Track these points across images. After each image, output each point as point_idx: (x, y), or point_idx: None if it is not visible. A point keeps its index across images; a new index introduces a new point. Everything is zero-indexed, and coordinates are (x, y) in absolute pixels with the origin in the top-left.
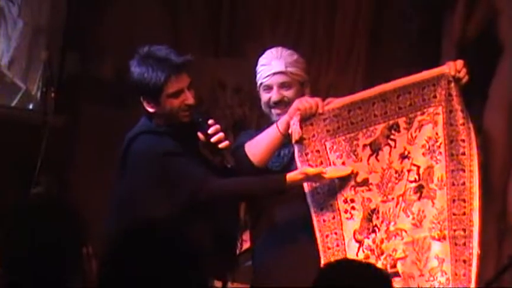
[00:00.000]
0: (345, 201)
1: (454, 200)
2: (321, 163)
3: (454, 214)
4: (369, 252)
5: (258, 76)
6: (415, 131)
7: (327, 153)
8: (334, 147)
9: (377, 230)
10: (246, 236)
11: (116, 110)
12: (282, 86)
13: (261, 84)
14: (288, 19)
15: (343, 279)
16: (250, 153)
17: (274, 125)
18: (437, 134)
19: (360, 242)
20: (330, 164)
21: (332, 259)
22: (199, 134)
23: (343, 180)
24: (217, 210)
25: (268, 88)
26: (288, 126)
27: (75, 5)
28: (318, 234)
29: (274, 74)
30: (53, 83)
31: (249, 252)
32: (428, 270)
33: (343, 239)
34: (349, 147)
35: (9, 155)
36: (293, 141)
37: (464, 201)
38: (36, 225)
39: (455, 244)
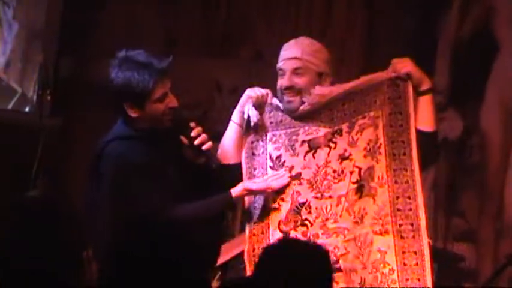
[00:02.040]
0: (276, 192)
1: (398, 197)
2: (263, 153)
3: (399, 210)
4: None
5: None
6: (356, 134)
7: (266, 143)
8: (274, 139)
9: (308, 224)
10: (242, 237)
11: (112, 112)
12: (295, 72)
13: (278, 69)
14: (283, 19)
15: (284, 257)
16: (220, 156)
17: (231, 122)
18: (377, 135)
19: (285, 233)
20: (267, 154)
21: (256, 246)
22: (182, 138)
23: (276, 172)
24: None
25: (282, 73)
26: (242, 115)
27: (70, 7)
28: (247, 220)
29: (289, 59)
30: (48, 85)
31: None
32: (371, 262)
33: (268, 228)
34: (287, 141)
35: (5, 157)
36: (251, 124)
37: (409, 198)
38: (35, 229)
39: (402, 237)
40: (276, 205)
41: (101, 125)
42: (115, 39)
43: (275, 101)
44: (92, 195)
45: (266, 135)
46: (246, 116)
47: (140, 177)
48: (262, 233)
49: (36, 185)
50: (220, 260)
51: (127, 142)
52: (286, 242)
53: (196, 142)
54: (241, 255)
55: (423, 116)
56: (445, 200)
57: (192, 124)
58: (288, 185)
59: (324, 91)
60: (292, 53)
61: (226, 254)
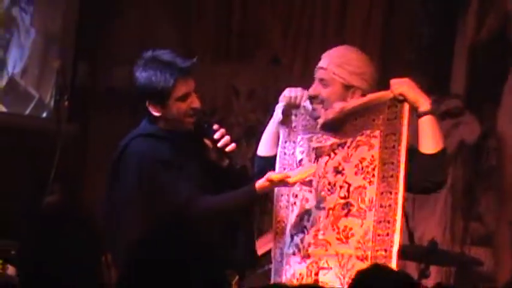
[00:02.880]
0: (293, 196)
1: (380, 222)
2: (293, 154)
3: (378, 235)
4: (296, 250)
5: None
6: (351, 150)
7: (296, 144)
8: (301, 142)
9: (305, 232)
10: (265, 239)
11: (129, 118)
12: (321, 82)
13: None
14: (299, 24)
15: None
16: (259, 148)
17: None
18: (372, 156)
19: (292, 237)
20: (295, 156)
21: (277, 245)
22: (206, 141)
23: None
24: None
25: (314, 81)
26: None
27: (87, 13)
28: (273, 218)
29: (318, 68)
30: (65, 91)
31: (267, 257)
32: None
33: (285, 229)
34: (307, 146)
35: (23, 163)
36: (274, 123)
37: (388, 222)
38: (55, 235)
39: None
40: (291, 208)
41: (118, 130)
42: (131, 46)
43: (307, 104)
44: (113, 194)
45: (296, 137)
46: (274, 116)
47: (165, 172)
48: (283, 233)
49: (53, 190)
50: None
51: (150, 139)
52: (378, 269)
53: (219, 144)
54: (264, 256)
55: (424, 138)
56: (462, 203)
57: (215, 126)
58: (300, 190)
59: (339, 109)
60: (322, 62)
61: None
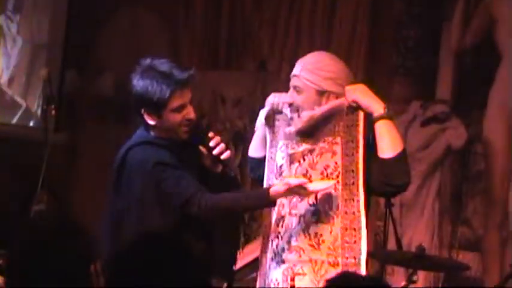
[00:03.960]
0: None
1: (346, 229)
2: (271, 158)
3: (346, 242)
4: (273, 255)
5: None
6: (316, 157)
7: (277, 150)
8: (282, 148)
9: (280, 238)
10: (251, 247)
11: (117, 126)
12: (295, 89)
13: None
14: (285, 31)
15: None
16: (250, 148)
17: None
18: (336, 163)
19: (271, 242)
20: (276, 163)
21: (262, 249)
22: (201, 148)
23: (277, 181)
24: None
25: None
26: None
27: (74, 22)
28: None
29: (292, 76)
30: (53, 100)
31: (254, 264)
32: None
33: (269, 233)
34: (286, 152)
35: (10, 172)
36: (255, 128)
37: (355, 230)
38: (43, 244)
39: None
40: (273, 213)
41: (106, 138)
42: (118, 54)
43: (287, 110)
44: (116, 201)
45: (278, 143)
46: (262, 118)
47: (168, 171)
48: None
49: (41, 199)
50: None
51: (149, 147)
52: (347, 277)
53: (215, 152)
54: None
55: (381, 143)
56: (450, 208)
57: (211, 134)
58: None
59: (307, 117)
60: (295, 69)
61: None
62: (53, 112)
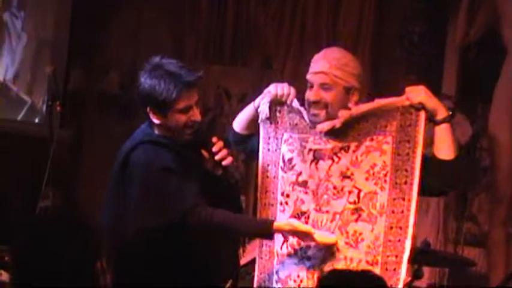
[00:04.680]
0: (282, 194)
1: (391, 227)
2: (276, 150)
3: (389, 241)
4: (292, 251)
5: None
6: (361, 155)
7: (280, 142)
8: (289, 140)
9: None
10: (251, 246)
11: (122, 122)
12: (322, 86)
13: (306, 80)
14: (290, 27)
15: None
16: (235, 120)
17: (252, 102)
18: (384, 162)
19: (285, 238)
20: (280, 154)
21: (264, 243)
22: (203, 152)
23: (286, 175)
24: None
25: (310, 86)
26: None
27: (79, 18)
28: (258, 214)
29: (317, 72)
30: (58, 96)
31: (254, 263)
32: None
33: None
34: (299, 146)
35: (16, 168)
36: (259, 119)
37: (400, 228)
38: (49, 240)
39: (386, 269)
40: (281, 207)
41: (111, 134)
42: (123, 51)
43: (296, 103)
44: (116, 201)
45: (282, 135)
46: (259, 110)
47: (170, 178)
48: None
49: (46, 195)
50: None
51: (153, 147)
52: (338, 274)
53: (217, 157)
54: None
55: (441, 145)
56: (455, 204)
57: (214, 139)
58: (292, 190)
59: (348, 116)
60: (320, 66)
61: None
62: (58, 108)
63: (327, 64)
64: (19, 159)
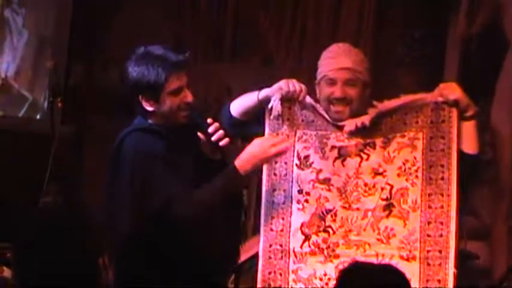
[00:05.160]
0: (300, 192)
1: (429, 223)
2: (286, 148)
3: (428, 236)
4: (316, 250)
5: (321, 68)
6: (393, 152)
7: (294, 140)
8: (304, 137)
9: (331, 231)
10: (253, 241)
11: (123, 118)
12: (347, 82)
13: (324, 76)
14: (291, 23)
15: (364, 281)
16: (233, 104)
17: (257, 91)
18: (415, 158)
19: (307, 236)
20: (295, 151)
21: (273, 242)
22: (200, 134)
23: (303, 172)
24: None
25: (332, 82)
26: (266, 99)
27: (80, 14)
28: (262, 213)
29: (341, 69)
30: (59, 92)
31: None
32: None
33: (290, 227)
34: (318, 143)
35: (17, 165)
36: (271, 117)
37: (441, 223)
38: (51, 237)
39: (428, 264)
40: (299, 205)
41: (113, 130)
42: (124, 46)
43: (309, 99)
44: (111, 188)
45: (295, 132)
46: (269, 106)
47: (157, 168)
48: (282, 230)
49: (48, 192)
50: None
51: (145, 134)
52: (359, 266)
53: (213, 138)
54: (254, 257)
55: (467, 140)
56: (457, 197)
57: (209, 120)
58: (313, 188)
59: (375, 112)
60: (344, 63)
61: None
62: (60, 105)
63: (350, 60)
64: (21, 156)
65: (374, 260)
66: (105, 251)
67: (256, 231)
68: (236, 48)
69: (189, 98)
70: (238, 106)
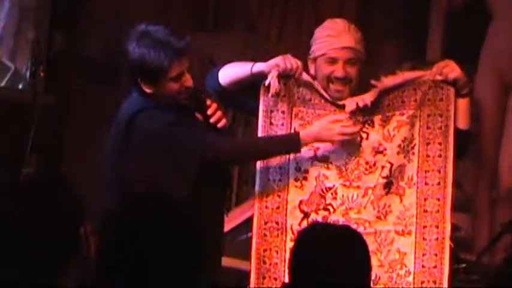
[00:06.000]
0: (297, 170)
1: (426, 199)
2: (282, 125)
3: (425, 211)
4: None
5: (319, 45)
6: (393, 130)
7: (291, 117)
8: (300, 115)
9: (331, 209)
10: (242, 208)
11: (105, 87)
12: (348, 62)
13: (322, 54)
14: None
15: (322, 241)
16: (222, 71)
17: (251, 64)
18: (413, 135)
19: (306, 214)
20: (290, 129)
21: (269, 219)
22: (198, 115)
23: (301, 150)
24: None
25: (332, 61)
26: (259, 73)
27: None
28: (256, 190)
29: (343, 48)
30: (41, 62)
31: (246, 226)
32: (389, 262)
33: (286, 204)
34: (315, 122)
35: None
36: (269, 95)
37: (438, 199)
38: (32, 204)
39: (424, 239)
40: (298, 183)
41: (95, 99)
42: (106, 15)
43: (306, 76)
44: (122, 167)
45: (291, 110)
46: (266, 83)
47: (183, 127)
48: (278, 208)
49: (30, 162)
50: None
51: (154, 111)
52: (317, 226)
53: (212, 120)
54: (243, 225)
55: (461, 116)
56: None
57: (208, 102)
58: (311, 165)
59: (376, 93)
60: (346, 41)
61: (228, 223)
62: (42, 74)
63: (352, 39)
64: (2, 126)
65: (372, 237)
66: (85, 222)
67: (238, 202)
68: (219, 18)
69: (189, 82)
70: (227, 75)
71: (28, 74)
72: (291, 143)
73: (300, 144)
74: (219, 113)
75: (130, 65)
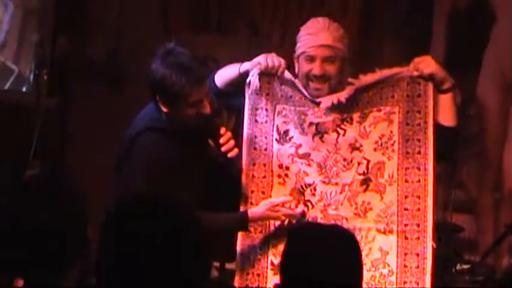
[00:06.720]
0: (280, 167)
1: (406, 196)
2: (266, 122)
3: (406, 209)
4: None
5: (299, 44)
6: (369, 126)
7: (274, 114)
8: (283, 112)
9: (310, 206)
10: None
11: (109, 89)
12: (326, 60)
13: (302, 53)
14: None
15: (313, 241)
16: (217, 74)
17: (239, 64)
18: (391, 132)
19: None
20: (274, 126)
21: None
22: (210, 141)
23: (283, 147)
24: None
25: (311, 59)
26: (246, 72)
27: None
28: (243, 185)
29: (321, 46)
30: (45, 65)
31: None
32: (371, 260)
33: None
34: (297, 119)
35: (3, 138)
36: (249, 92)
37: (419, 197)
38: (35, 208)
39: (406, 238)
40: (280, 179)
41: (99, 102)
42: (110, 18)
43: (288, 74)
44: (116, 188)
45: (275, 107)
46: (247, 81)
47: (165, 174)
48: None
49: (34, 164)
50: None
51: (158, 135)
52: (308, 227)
53: (223, 149)
54: None
55: (445, 113)
56: (444, 170)
57: (222, 130)
58: (292, 162)
59: (353, 90)
60: (324, 39)
61: None
62: (45, 77)
63: (330, 37)
64: (6, 128)
65: None
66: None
67: None
68: (222, 20)
69: (207, 109)
70: (221, 77)
71: (32, 76)
72: (240, 222)
73: (248, 223)
74: (231, 143)
75: (151, 82)
